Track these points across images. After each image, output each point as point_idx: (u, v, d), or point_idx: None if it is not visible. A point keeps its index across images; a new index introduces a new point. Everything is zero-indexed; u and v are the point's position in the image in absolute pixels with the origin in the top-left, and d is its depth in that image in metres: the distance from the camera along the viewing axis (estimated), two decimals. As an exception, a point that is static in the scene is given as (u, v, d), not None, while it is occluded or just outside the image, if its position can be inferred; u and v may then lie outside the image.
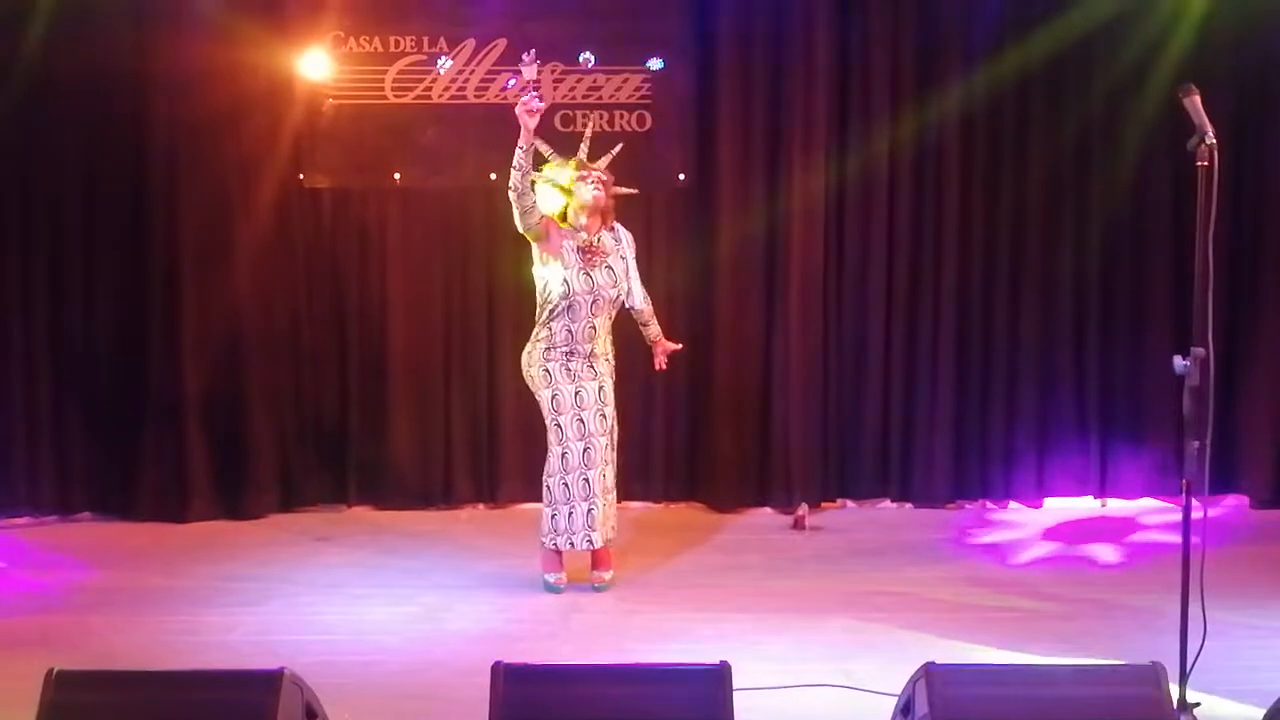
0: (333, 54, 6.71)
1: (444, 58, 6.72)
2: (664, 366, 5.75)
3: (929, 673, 3.56)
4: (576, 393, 5.40)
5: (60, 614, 5.32)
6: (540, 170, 5.46)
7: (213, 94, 6.53)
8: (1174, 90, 6.39)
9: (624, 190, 5.62)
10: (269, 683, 3.49)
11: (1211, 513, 6.45)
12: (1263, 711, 3.94)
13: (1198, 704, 4.02)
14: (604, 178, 5.44)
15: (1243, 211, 6.69)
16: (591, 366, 5.44)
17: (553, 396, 5.39)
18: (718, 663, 3.60)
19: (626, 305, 5.55)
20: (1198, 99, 3.94)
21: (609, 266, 5.42)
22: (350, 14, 6.71)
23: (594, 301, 5.39)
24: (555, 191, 5.45)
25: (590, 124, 5.54)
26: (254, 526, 6.61)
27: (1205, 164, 3.90)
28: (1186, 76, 6.46)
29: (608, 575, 5.56)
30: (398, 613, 5.36)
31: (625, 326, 5.72)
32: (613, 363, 5.57)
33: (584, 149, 5.51)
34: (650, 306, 5.62)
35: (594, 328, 5.42)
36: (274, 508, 6.75)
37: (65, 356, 6.66)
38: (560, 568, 5.55)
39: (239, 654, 4.84)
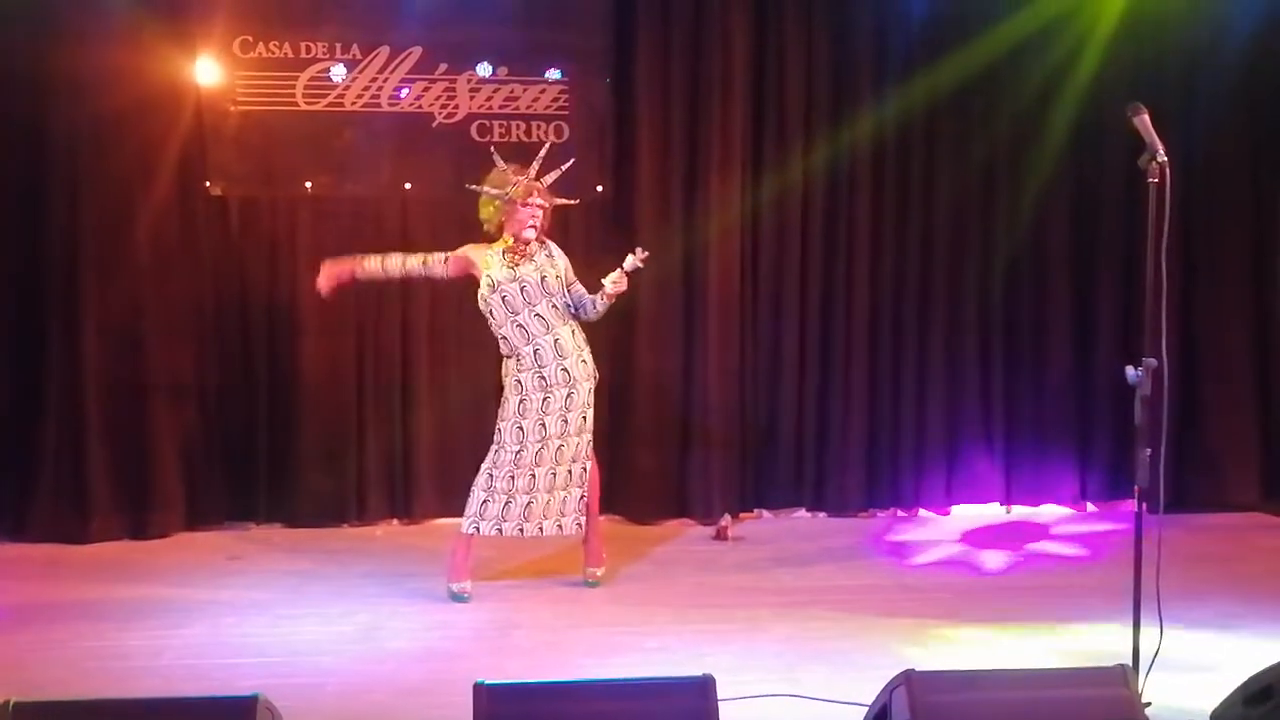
0: (240, 59, 6.52)
1: (340, 66, 6.60)
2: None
3: (910, 679, 3.60)
4: (545, 399, 5.48)
5: (-32, 642, 5.06)
6: (487, 181, 5.55)
7: (114, 99, 6.31)
8: (1081, 112, 6.80)
9: (564, 202, 5.71)
10: (244, 709, 3.36)
11: (1109, 521, 6.80)
12: (1209, 708, 4.11)
13: (1148, 704, 4.15)
14: (545, 205, 5.51)
15: (1136, 226, 6.90)
16: (565, 371, 5.51)
17: (520, 402, 5.46)
18: (700, 675, 3.60)
19: (582, 315, 5.60)
20: (1146, 117, 4.07)
21: (532, 260, 5.50)
22: (259, 18, 6.54)
23: (522, 288, 5.46)
24: (496, 207, 5.53)
25: (547, 143, 5.67)
26: (160, 546, 6.38)
27: (1156, 180, 4.02)
28: (1090, 100, 6.82)
29: (598, 571, 5.77)
30: (330, 632, 5.22)
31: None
32: (590, 365, 5.61)
33: (535, 166, 5.54)
34: (598, 307, 5.59)
35: (541, 318, 5.48)
36: (179, 526, 6.53)
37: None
38: (466, 574, 5.57)
39: (171, 679, 4.66)
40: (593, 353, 6.25)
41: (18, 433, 6.40)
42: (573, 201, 5.80)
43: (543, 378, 5.49)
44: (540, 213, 5.49)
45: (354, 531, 6.65)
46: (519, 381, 5.49)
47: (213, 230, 6.62)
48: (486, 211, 5.54)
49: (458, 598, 5.53)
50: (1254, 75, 6.98)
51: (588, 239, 6.79)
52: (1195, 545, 6.38)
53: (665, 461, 6.82)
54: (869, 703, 3.85)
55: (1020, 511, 7.06)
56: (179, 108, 6.45)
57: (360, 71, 6.61)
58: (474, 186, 5.56)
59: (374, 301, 6.72)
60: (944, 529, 6.78)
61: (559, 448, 5.53)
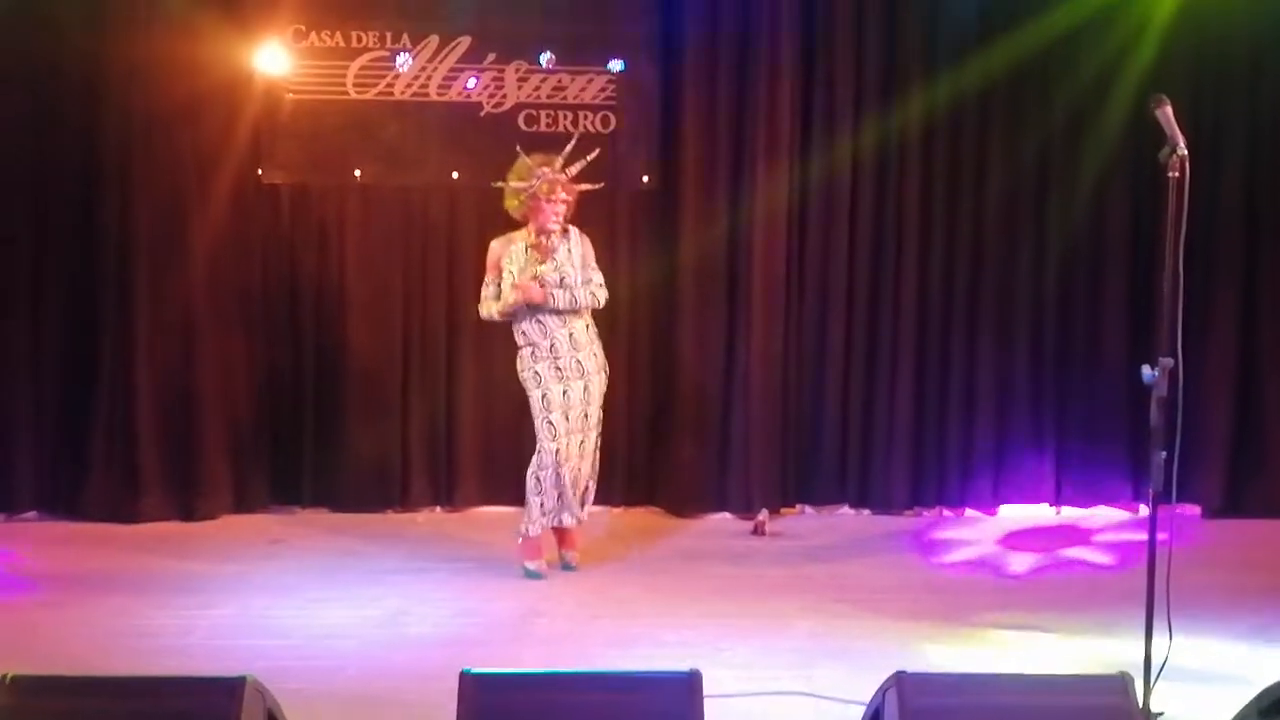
0: (293, 48, 6.62)
1: (404, 54, 6.66)
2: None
3: (900, 681, 3.55)
4: (565, 391, 5.61)
5: (7, 615, 5.21)
6: (512, 173, 5.65)
7: (169, 88, 6.43)
8: (1140, 102, 6.58)
9: (589, 187, 5.72)
10: (231, 689, 3.42)
11: (1162, 526, 6.60)
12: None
13: (1160, 714, 4.04)
14: (566, 198, 5.60)
15: (1196, 219, 6.72)
16: (579, 364, 5.63)
17: (543, 396, 5.61)
18: (687, 670, 3.57)
19: None
20: (1169, 109, 3.95)
21: (554, 257, 5.61)
22: (311, 8, 6.62)
23: (541, 286, 5.55)
24: (520, 200, 5.64)
25: (577, 134, 5.83)
26: (207, 528, 6.50)
27: (1176, 175, 3.90)
28: (1146, 88, 6.60)
29: (577, 555, 5.84)
30: (356, 616, 5.29)
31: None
32: (601, 359, 5.73)
33: (560, 159, 5.63)
34: (589, 302, 5.65)
35: (559, 313, 5.60)
36: (227, 509, 6.64)
37: (13, 354, 6.51)
38: (540, 554, 5.71)
39: (195, 658, 4.76)
40: (635, 341, 6.28)
41: (73, 414, 6.55)
42: (597, 186, 5.78)
43: (558, 369, 5.62)
44: (564, 207, 5.60)
45: (396, 517, 6.71)
46: (536, 373, 5.62)
47: (264, 217, 6.73)
48: (511, 204, 5.67)
49: (533, 574, 5.64)
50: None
51: (632, 230, 6.79)
52: (1248, 553, 6.19)
53: (705, 454, 6.78)
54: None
55: (1070, 514, 6.88)
56: (232, 97, 6.55)
57: (410, 60, 6.66)
58: (499, 184, 5.69)
59: (419, 290, 6.78)
60: (988, 530, 6.63)
61: (580, 442, 5.67)
